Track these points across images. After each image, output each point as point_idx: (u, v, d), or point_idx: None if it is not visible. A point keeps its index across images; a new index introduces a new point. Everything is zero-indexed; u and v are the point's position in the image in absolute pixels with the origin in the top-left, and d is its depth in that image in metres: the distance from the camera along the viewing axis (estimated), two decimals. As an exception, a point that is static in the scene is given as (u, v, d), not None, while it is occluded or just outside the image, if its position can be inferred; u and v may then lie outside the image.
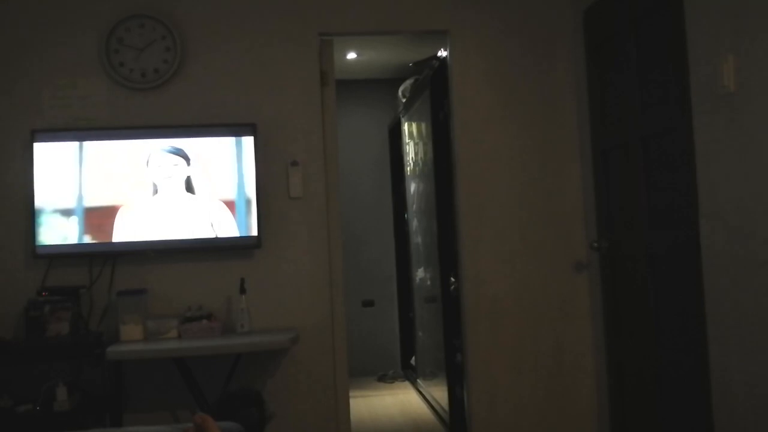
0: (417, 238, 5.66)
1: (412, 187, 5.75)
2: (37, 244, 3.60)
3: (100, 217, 3.65)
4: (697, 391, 2.93)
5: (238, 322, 3.64)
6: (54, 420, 3.32)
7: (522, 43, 4.01)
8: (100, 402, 3.56)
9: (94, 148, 3.67)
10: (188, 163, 3.72)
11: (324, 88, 3.93)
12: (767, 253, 2.53)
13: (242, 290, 3.64)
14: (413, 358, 6.13)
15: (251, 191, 3.72)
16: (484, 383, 3.91)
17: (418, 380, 5.83)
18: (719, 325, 2.78)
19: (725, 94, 2.69)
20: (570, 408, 3.93)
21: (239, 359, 3.61)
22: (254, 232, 3.72)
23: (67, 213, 3.63)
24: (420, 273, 5.56)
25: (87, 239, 3.64)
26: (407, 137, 5.87)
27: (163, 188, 3.71)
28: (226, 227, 3.71)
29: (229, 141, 3.74)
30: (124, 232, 3.66)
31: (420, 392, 5.68)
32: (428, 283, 5.19)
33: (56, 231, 3.62)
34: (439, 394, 4.86)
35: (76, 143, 3.66)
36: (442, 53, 4.33)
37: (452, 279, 4.47)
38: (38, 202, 3.60)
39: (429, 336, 5.30)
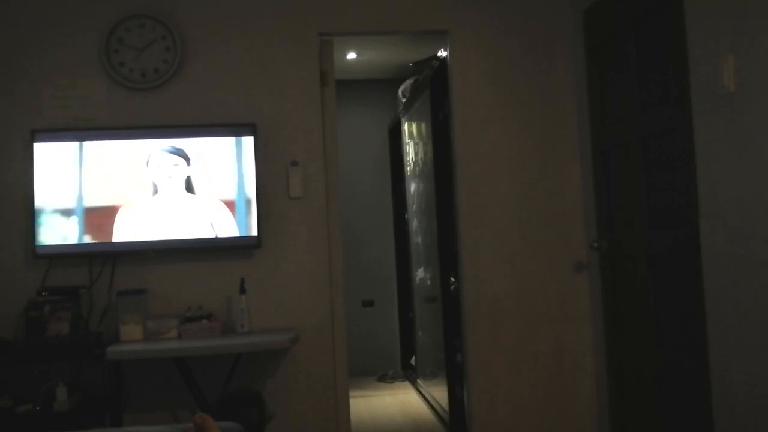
0: (417, 238, 5.66)
1: (412, 187, 5.75)
2: (37, 244, 3.60)
3: (100, 217, 3.65)
4: (697, 391, 2.93)
5: (238, 322, 3.64)
6: (54, 420, 3.32)
7: (522, 43, 4.01)
8: (100, 402, 3.56)
9: (94, 148, 3.67)
10: (188, 163, 3.72)
11: (324, 88, 3.93)
12: (767, 253, 2.53)
13: (242, 290, 3.64)
14: (413, 358, 6.13)
15: (251, 191, 3.72)
16: (484, 383, 3.91)
17: (418, 380, 5.83)
18: (719, 325, 2.78)
19: (725, 94, 2.69)
20: (570, 408, 3.93)
21: (239, 359, 3.61)
22: (254, 232, 3.72)
23: (67, 213, 3.63)
24: (420, 273, 5.56)
25: (87, 239, 3.64)
26: (407, 137, 5.87)
27: (163, 188, 3.71)
28: (226, 227, 3.71)
29: (229, 141, 3.74)
30: (124, 232, 3.66)
31: (420, 392, 5.68)
32: (428, 283, 5.19)
33: (56, 231, 3.62)
34: (439, 394, 4.86)
35: (76, 143, 3.66)
36: (442, 53, 4.33)
37: (452, 279, 4.47)
38: (38, 202, 3.60)
39: (429, 336, 5.30)
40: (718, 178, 2.76)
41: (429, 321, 5.27)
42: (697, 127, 2.86)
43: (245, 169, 3.72)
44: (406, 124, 5.89)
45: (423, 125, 5.11)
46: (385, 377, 6.34)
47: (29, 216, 3.62)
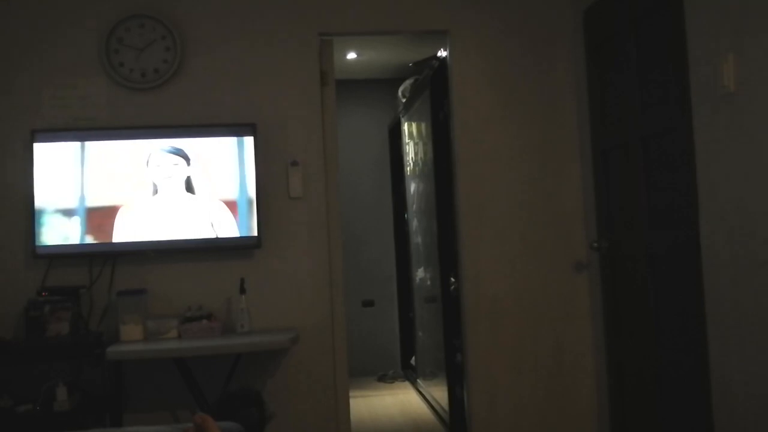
0: (417, 238, 5.66)
1: (412, 187, 5.75)
2: (38, 244, 3.59)
3: (100, 218, 3.65)
4: (697, 391, 2.93)
5: (238, 322, 3.64)
6: (54, 420, 3.32)
7: (522, 43, 4.01)
8: (100, 402, 3.56)
9: (94, 148, 3.67)
10: (188, 163, 3.72)
11: (324, 88, 3.93)
12: (767, 253, 2.53)
13: (242, 290, 3.64)
14: (413, 358, 6.13)
15: (253, 191, 3.72)
16: (484, 383, 3.91)
17: (418, 380, 5.83)
18: (719, 325, 2.78)
19: (725, 94, 2.69)
20: (570, 408, 3.93)
21: (239, 359, 3.61)
22: (254, 233, 3.72)
23: (67, 213, 3.63)
24: (420, 273, 5.56)
25: (88, 239, 3.64)
26: (407, 137, 5.87)
27: (163, 188, 3.71)
28: (227, 227, 3.71)
29: (230, 141, 3.74)
30: (124, 232, 3.66)
31: (420, 392, 5.68)
32: (428, 283, 5.19)
33: (57, 231, 3.61)
34: (439, 394, 4.86)
35: (76, 143, 3.66)
36: (442, 53, 4.33)
37: (452, 279, 4.47)
38: (39, 203, 3.60)
39: (429, 336, 5.30)
40: (718, 178, 2.76)
41: (429, 321, 5.27)
42: (697, 127, 2.86)
43: (247, 169, 3.72)
44: (406, 124, 5.89)
45: (423, 125, 5.11)
46: (385, 377, 6.34)
47: (29, 216, 3.62)
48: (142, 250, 3.68)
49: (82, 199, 3.64)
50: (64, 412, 3.34)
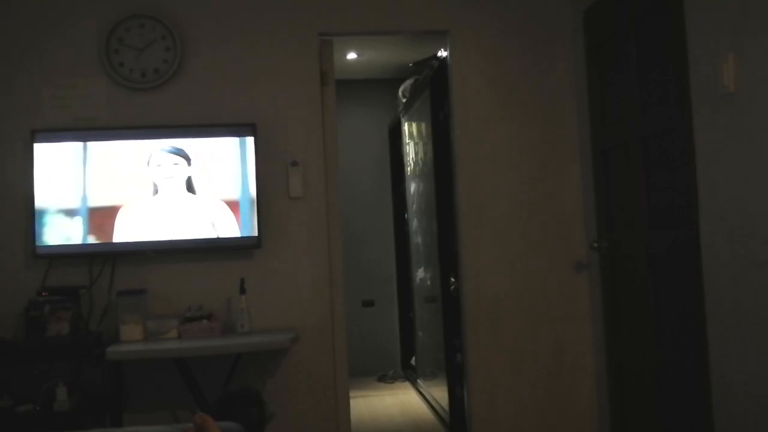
0: (417, 238, 5.66)
1: (412, 187, 5.75)
2: (38, 244, 3.59)
3: (100, 218, 3.65)
4: (697, 391, 2.93)
5: (238, 322, 3.64)
6: (54, 420, 3.32)
7: (522, 43, 4.01)
8: (100, 402, 3.56)
9: (94, 148, 3.67)
10: (189, 163, 3.72)
11: (324, 88, 3.93)
12: (767, 253, 2.53)
13: (242, 290, 3.64)
14: (413, 358, 6.13)
15: (255, 191, 3.72)
16: (484, 383, 3.91)
17: (418, 380, 5.83)
18: (719, 325, 2.78)
19: (725, 94, 2.69)
20: (570, 408, 3.93)
21: (239, 359, 3.61)
22: (255, 232, 3.71)
23: (67, 213, 3.63)
24: (420, 273, 5.56)
25: (88, 239, 3.63)
26: (407, 137, 5.87)
27: (163, 188, 3.70)
28: (227, 227, 3.71)
29: (232, 141, 3.74)
30: (125, 232, 3.66)
31: (420, 392, 5.68)
32: (428, 283, 5.19)
33: (57, 231, 3.61)
34: (439, 394, 4.86)
35: (76, 143, 3.66)
36: (442, 53, 4.33)
37: (452, 279, 4.47)
38: (40, 203, 3.60)
39: (429, 336, 5.30)
40: (718, 178, 2.76)
41: (429, 321, 5.27)
42: (697, 127, 2.86)
43: (249, 169, 3.72)
44: (406, 124, 5.89)
45: (423, 125, 5.11)
46: (385, 377, 6.34)
47: (29, 216, 3.62)
48: (142, 250, 3.67)
49: (83, 199, 3.64)
50: (64, 412, 3.34)
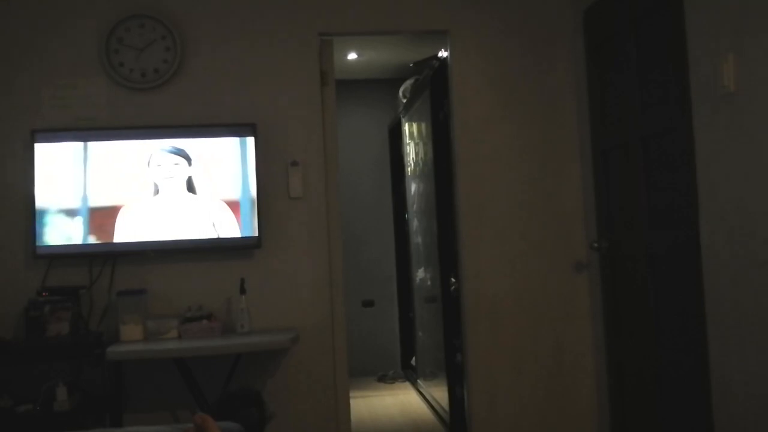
0: (417, 238, 5.66)
1: (412, 187, 5.75)
2: (39, 244, 3.59)
3: (100, 218, 3.65)
4: (697, 391, 2.93)
5: (238, 322, 3.64)
6: (54, 420, 3.32)
7: (522, 43, 4.01)
8: (100, 402, 3.56)
9: (94, 148, 3.67)
10: (189, 163, 3.72)
11: (324, 88, 3.93)
12: (767, 253, 2.53)
13: (242, 290, 3.64)
14: (413, 358, 6.13)
15: (255, 191, 3.72)
16: (484, 383, 3.91)
17: (418, 380, 5.83)
18: (719, 325, 2.78)
19: (725, 94, 2.69)
20: (570, 408, 3.93)
21: (239, 359, 3.61)
22: (255, 233, 3.71)
23: (68, 213, 3.63)
24: (420, 273, 5.56)
25: (89, 239, 3.63)
26: (407, 137, 5.87)
27: (164, 188, 3.71)
28: (228, 227, 3.71)
29: (233, 141, 3.74)
30: (125, 232, 3.66)
31: (420, 392, 5.68)
32: (428, 283, 5.19)
33: (57, 231, 3.61)
34: (439, 394, 4.86)
35: (76, 143, 3.66)
36: (442, 53, 4.33)
37: (452, 279, 4.47)
38: (40, 203, 3.60)
39: (429, 336, 5.30)
40: (718, 178, 2.76)
41: (429, 321, 5.27)
42: (697, 127, 2.86)
43: (249, 169, 3.72)
44: (406, 124, 5.89)
45: (423, 125, 5.11)
46: (385, 377, 6.34)
47: (30, 216, 3.62)
48: (142, 250, 3.67)
49: (83, 199, 3.64)
50: (64, 412, 3.34)
